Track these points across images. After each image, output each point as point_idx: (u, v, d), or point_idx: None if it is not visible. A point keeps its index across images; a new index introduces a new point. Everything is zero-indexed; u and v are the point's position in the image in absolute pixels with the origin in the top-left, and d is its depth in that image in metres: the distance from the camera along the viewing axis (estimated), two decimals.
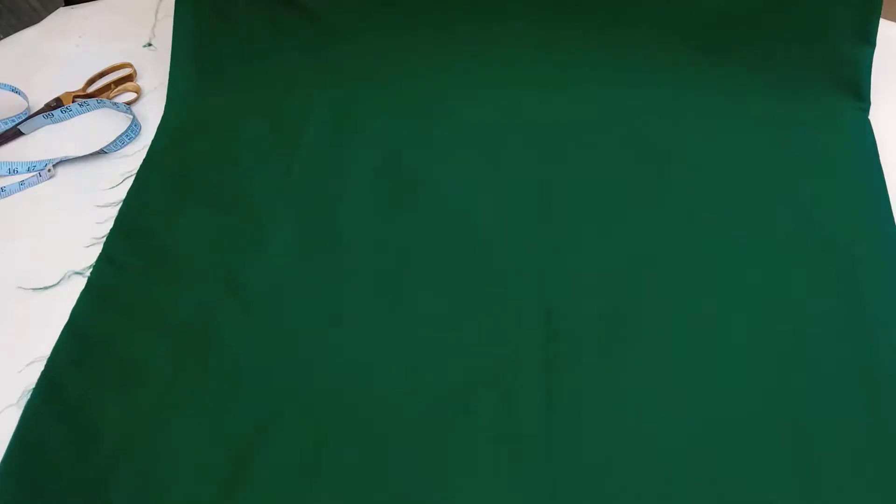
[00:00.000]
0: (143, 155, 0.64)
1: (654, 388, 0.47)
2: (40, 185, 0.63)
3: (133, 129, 0.66)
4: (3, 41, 0.76)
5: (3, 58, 0.74)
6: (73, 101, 0.68)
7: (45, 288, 0.56)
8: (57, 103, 0.68)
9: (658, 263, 0.53)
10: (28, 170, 0.64)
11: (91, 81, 0.71)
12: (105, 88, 0.70)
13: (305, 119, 0.64)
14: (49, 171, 0.63)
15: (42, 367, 0.51)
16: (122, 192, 0.61)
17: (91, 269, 0.56)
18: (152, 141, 0.65)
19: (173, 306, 0.53)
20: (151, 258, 0.56)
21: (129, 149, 0.65)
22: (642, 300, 0.51)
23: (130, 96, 0.70)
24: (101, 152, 0.64)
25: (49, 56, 0.73)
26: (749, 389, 0.47)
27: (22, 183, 0.63)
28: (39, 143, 0.67)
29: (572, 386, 0.47)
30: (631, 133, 0.61)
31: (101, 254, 0.57)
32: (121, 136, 0.65)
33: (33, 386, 0.50)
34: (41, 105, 0.69)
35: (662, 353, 0.48)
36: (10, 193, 0.63)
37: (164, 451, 0.47)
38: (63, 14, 0.78)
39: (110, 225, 0.59)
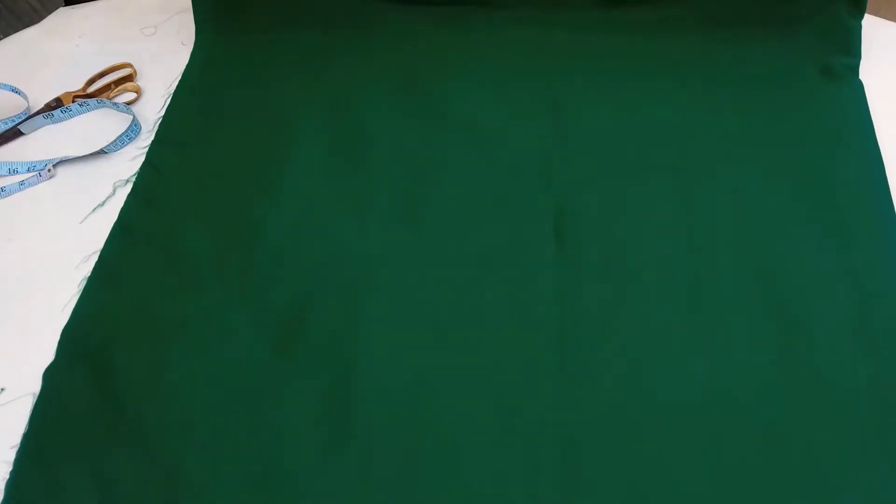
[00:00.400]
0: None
1: (649, 269, 0.53)
2: (40, 185, 0.63)
3: (133, 129, 0.66)
4: (3, 41, 0.76)
5: (3, 58, 0.74)
6: (73, 101, 0.68)
7: (102, 204, 0.61)
8: (57, 103, 0.69)
9: (655, 168, 0.58)
10: (28, 170, 0.64)
11: (91, 81, 0.71)
12: (105, 88, 0.70)
13: (331, 38, 0.69)
14: (49, 171, 0.63)
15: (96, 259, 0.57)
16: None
17: (135, 176, 0.62)
18: (187, 64, 0.70)
19: (214, 204, 0.59)
20: (190, 164, 0.62)
21: (128, 149, 0.65)
22: (641, 197, 0.57)
23: (130, 96, 0.70)
24: (101, 152, 0.65)
25: (49, 56, 0.74)
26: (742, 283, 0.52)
27: (22, 183, 0.63)
28: (39, 143, 0.67)
29: (578, 266, 0.53)
30: (633, 51, 0.66)
31: (144, 161, 0.63)
32: (121, 136, 0.65)
33: (89, 274, 0.56)
34: (41, 105, 0.69)
35: (655, 235, 0.54)
36: (10, 193, 0.63)
37: (217, 323, 0.52)
38: (63, 14, 0.78)
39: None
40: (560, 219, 0.56)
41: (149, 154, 0.63)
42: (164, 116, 0.66)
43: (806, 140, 0.59)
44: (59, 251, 0.58)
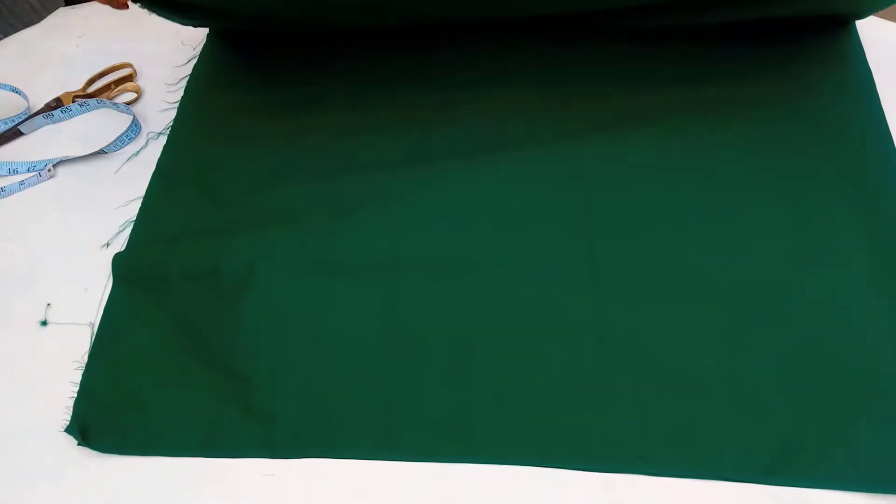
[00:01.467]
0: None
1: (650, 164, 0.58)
2: (40, 185, 0.63)
3: (133, 129, 0.66)
4: (3, 41, 0.76)
5: (3, 58, 0.74)
6: (73, 101, 0.68)
7: (137, 153, 0.65)
8: (57, 103, 0.69)
9: (667, 100, 0.62)
10: (28, 170, 0.64)
11: (91, 81, 0.71)
12: (105, 88, 0.70)
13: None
14: (49, 171, 0.63)
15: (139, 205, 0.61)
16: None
17: (168, 129, 0.66)
18: (206, 39, 0.73)
19: (243, 150, 0.63)
20: (218, 117, 0.67)
21: (128, 149, 0.65)
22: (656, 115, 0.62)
23: (130, 96, 0.70)
24: (101, 152, 0.65)
25: (49, 56, 0.74)
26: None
27: (22, 183, 0.63)
28: (39, 143, 0.67)
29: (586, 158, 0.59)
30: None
31: (175, 118, 0.67)
32: (121, 136, 0.65)
33: (134, 217, 0.60)
34: (41, 105, 0.69)
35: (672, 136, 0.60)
36: (10, 193, 0.63)
37: (265, 239, 0.56)
38: (63, 14, 0.78)
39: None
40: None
41: (179, 110, 0.67)
42: (191, 77, 0.70)
43: (808, 76, 0.63)
44: (95, 201, 0.62)
